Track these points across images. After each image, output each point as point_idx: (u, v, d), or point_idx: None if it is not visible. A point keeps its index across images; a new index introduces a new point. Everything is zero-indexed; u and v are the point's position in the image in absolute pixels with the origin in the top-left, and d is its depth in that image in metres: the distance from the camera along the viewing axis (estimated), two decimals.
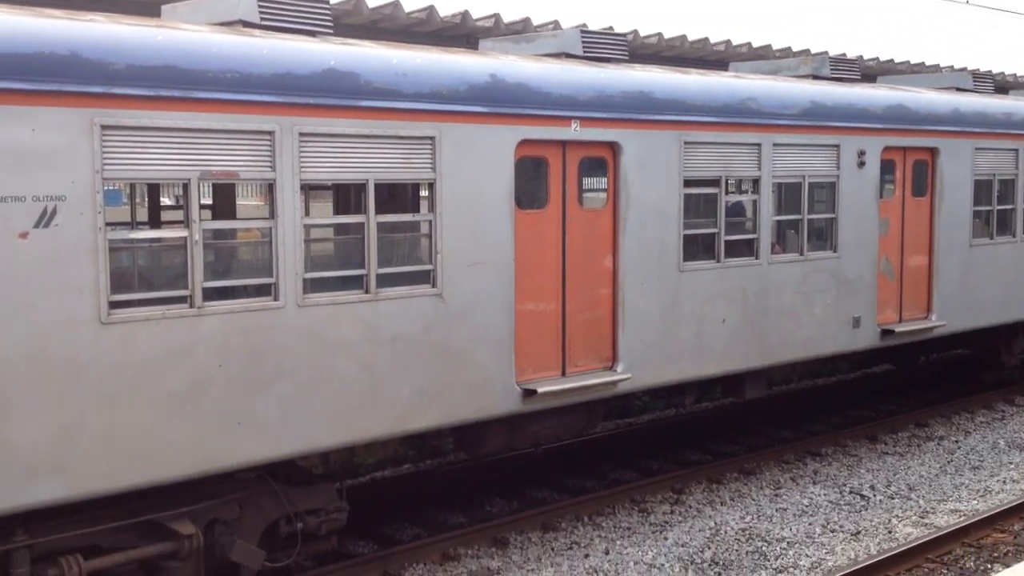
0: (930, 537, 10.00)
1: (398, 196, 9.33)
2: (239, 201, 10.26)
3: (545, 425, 10.19)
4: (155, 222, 8.90)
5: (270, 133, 7.72)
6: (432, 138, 8.67)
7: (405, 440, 9.65)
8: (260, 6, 8.17)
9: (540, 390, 9.51)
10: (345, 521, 8.92)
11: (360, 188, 8.45)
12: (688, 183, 10.77)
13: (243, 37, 7.89)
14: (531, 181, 9.66)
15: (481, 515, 11.00)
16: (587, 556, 9.93)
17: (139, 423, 7.24)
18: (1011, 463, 13.01)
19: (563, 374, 9.93)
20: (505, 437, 9.95)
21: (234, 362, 7.68)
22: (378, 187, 8.45)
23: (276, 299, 7.89)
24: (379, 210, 8.46)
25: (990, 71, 18.09)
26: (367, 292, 8.43)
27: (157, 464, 7.36)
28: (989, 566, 9.76)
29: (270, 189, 7.83)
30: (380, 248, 8.49)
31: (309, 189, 8.82)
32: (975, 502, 11.55)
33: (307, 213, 8.36)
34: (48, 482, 6.86)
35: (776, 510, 11.20)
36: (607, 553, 10.00)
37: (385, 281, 8.55)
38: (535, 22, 13.33)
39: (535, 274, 9.63)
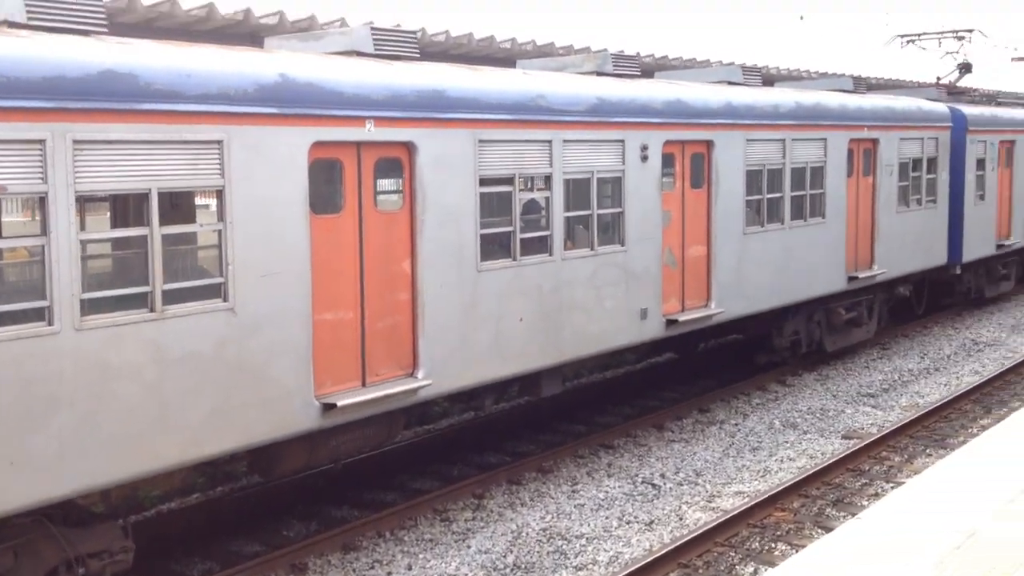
0: (718, 521, 10.33)
1: (184, 205, 8.65)
2: (10, 218, 9.29)
3: (346, 439, 9.80)
4: None
5: (40, 142, 6.95)
6: (220, 142, 8.08)
7: (194, 467, 9.01)
8: (27, 5, 7.36)
9: (340, 403, 9.12)
10: (131, 562, 8.25)
11: (142, 198, 7.75)
12: (483, 182, 10.61)
13: (8, 39, 7.03)
14: (326, 185, 9.22)
15: (278, 541, 10.42)
16: (390, 574, 9.63)
17: None
18: (786, 442, 13.68)
19: (363, 384, 9.57)
20: (304, 455, 9.49)
21: (3, 396, 6.89)
22: (162, 196, 7.79)
23: (50, 324, 7.14)
24: (164, 221, 7.80)
25: (756, 65, 18.95)
26: (152, 310, 7.79)
27: None
28: (773, 545, 10.18)
29: (41, 203, 7.05)
30: (166, 262, 7.85)
31: (85, 201, 8.02)
32: (757, 483, 12.05)
33: (83, 228, 7.59)
34: None
35: (574, 507, 11.28)
36: (410, 569, 9.73)
37: (172, 297, 7.93)
38: (320, 19, 12.79)
39: (332, 282, 9.21)
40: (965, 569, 5.63)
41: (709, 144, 13.95)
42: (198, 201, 8.81)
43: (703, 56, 19.22)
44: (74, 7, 7.65)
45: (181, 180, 7.93)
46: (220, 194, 8.18)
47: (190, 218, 8.67)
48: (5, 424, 6.91)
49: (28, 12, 7.36)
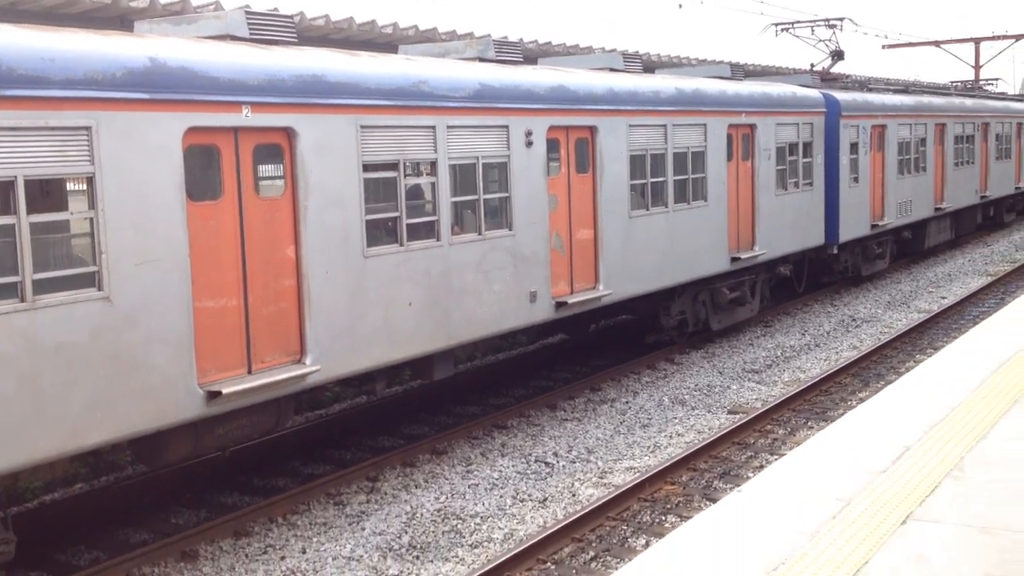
0: (609, 496, 10.56)
1: (56, 192, 8.48)
2: None
3: (233, 427, 9.74)
4: None
5: None
6: (88, 128, 7.95)
7: (77, 458, 8.86)
8: None
9: (225, 391, 9.06)
10: (13, 553, 8.08)
11: (8, 186, 7.58)
12: (367, 167, 10.63)
13: None
14: (203, 171, 9.13)
15: (167, 528, 10.34)
16: (283, 558, 9.62)
17: None
18: (675, 418, 14.03)
19: (249, 372, 9.51)
20: (189, 443, 9.40)
21: None
22: (29, 184, 7.63)
23: None
24: (32, 209, 7.64)
25: (638, 52, 19.30)
26: (23, 300, 7.62)
27: None
28: (663, 518, 10.46)
29: None
30: (36, 251, 7.69)
31: None
32: (647, 458, 12.34)
33: None
34: None
35: (468, 487, 11.40)
36: (304, 552, 9.74)
37: (44, 287, 7.77)
38: (194, 3, 12.60)
39: (213, 269, 9.13)
40: (841, 537, 5.89)
41: (593, 129, 14.19)
42: (70, 188, 8.64)
43: (585, 43, 19.50)
44: None
45: (49, 167, 7.79)
46: (91, 181, 8.05)
47: (61, 206, 8.50)
48: None
49: None
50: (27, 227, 7.62)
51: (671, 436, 13.23)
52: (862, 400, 14.60)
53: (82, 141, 7.94)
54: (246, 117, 9.27)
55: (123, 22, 11.63)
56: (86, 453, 8.51)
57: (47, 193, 8.24)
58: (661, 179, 15.77)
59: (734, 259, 17.79)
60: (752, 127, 18.32)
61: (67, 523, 10.21)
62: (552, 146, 13.51)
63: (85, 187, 8.13)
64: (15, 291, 7.63)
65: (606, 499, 10.48)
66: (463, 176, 12.11)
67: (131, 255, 8.35)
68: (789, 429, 13.48)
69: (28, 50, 7.62)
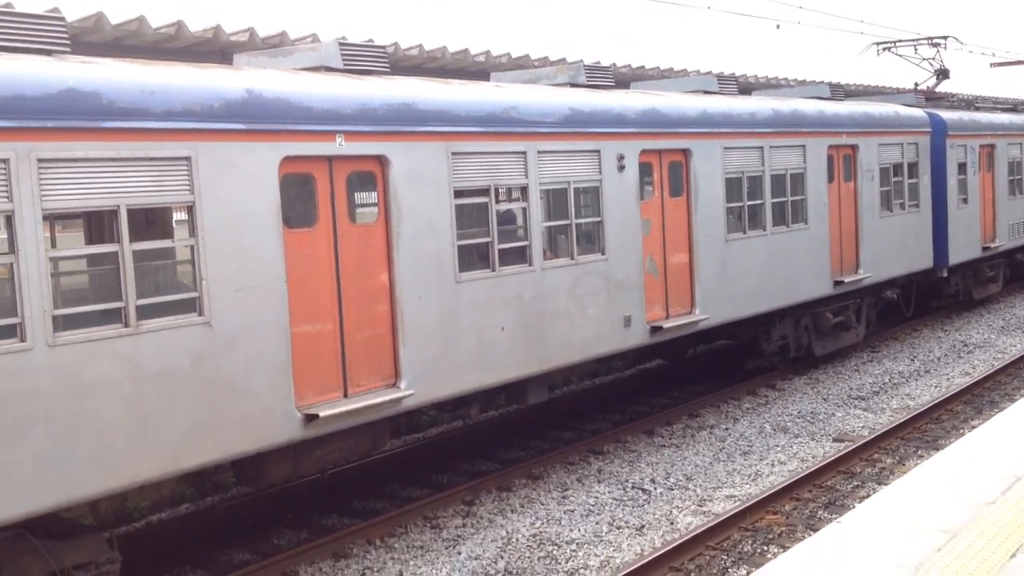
0: (709, 525, 10.36)
1: (157, 221, 8.80)
2: None
3: (330, 449, 9.90)
4: None
5: (4, 161, 7.09)
6: (188, 158, 8.23)
7: (183, 478, 9.11)
8: None
9: (322, 414, 9.22)
10: (118, 572, 8.33)
11: (112, 215, 7.90)
12: (459, 193, 10.75)
13: None
14: (299, 199, 9.36)
15: (268, 549, 10.54)
16: None
17: None
18: (777, 446, 13.72)
19: (345, 395, 9.67)
20: (289, 465, 9.58)
21: None
22: (132, 212, 7.93)
23: (23, 340, 7.25)
24: (135, 237, 7.94)
25: (733, 74, 19.14)
26: (127, 326, 7.90)
27: None
28: (765, 548, 10.21)
29: (8, 221, 7.19)
30: (139, 277, 7.98)
31: (56, 219, 8.18)
32: (748, 486, 12.09)
33: (54, 245, 7.69)
34: None
35: (564, 512, 11.33)
36: (401, 575, 9.79)
37: (147, 312, 8.04)
38: (292, 36, 12.98)
39: (309, 294, 9.33)
40: (946, 571, 5.67)
41: (687, 152, 14.10)
42: (176, 216, 8.96)
43: (680, 66, 19.43)
44: (34, 27, 7.82)
45: (150, 196, 8.07)
46: (191, 209, 8.31)
47: (165, 234, 8.81)
48: None
49: None
50: (130, 255, 7.91)
51: (773, 464, 12.94)
52: (974, 428, 14.09)
53: (182, 171, 8.23)
54: (340, 146, 9.49)
55: (223, 55, 12.00)
56: (192, 474, 8.72)
57: (150, 222, 8.54)
58: (759, 202, 15.55)
59: (837, 283, 17.39)
60: (854, 148, 17.95)
61: (173, 543, 10.50)
62: (645, 170, 13.46)
63: (186, 215, 8.41)
64: (119, 316, 7.90)
65: (706, 527, 10.29)
66: (555, 201, 12.14)
67: (230, 281, 8.58)
68: (897, 458, 13.06)
69: (129, 84, 7.94)
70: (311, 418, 9.18)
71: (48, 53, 7.83)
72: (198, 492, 12.05)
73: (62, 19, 8.07)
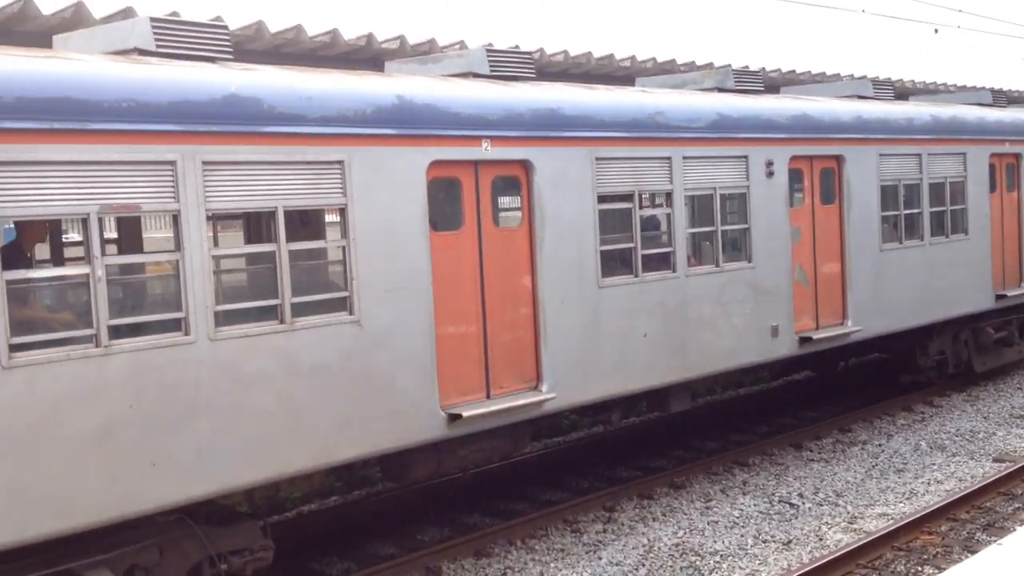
0: (860, 543, 10.05)
1: (311, 222, 9.16)
2: (154, 234, 10.01)
3: (472, 449, 10.06)
4: (58, 259, 8.59)
5: (172, 163, 7.51)
6: (341, 162, 8.53)
7: (331, 471, 9.43)
8: (155, 34, 7.96)
9: (465, 414, 9.37)
10: (271, 559, 8.67)
11: (270, 216, 8.26)
12: (602, 199, 10.78)
13: (138, 65, 7.68)
14: (445, 202, 9.57)
15: (412, 544, 10.78)
16: None
17: (47, 469, 6.92)
18: (934, 464, 13.21)
19: (488, 396, 9.81)
20: (432, 463, 9.79)
21: (146, 401, 7.41)
22: (288, 214, 8.27)
23: (187, 334, 7.65)
24: (291, 237, 8.27)
25: (889, 78, 18.56)
26: (282, 322, 8.23)
27: (68, 512, 7.04)
28: (919, 569, 9.84)
29: (175, 221, 7.61)
30: (294, 276, 8.30)
31: (218, 219, 8.60)
32: (902, 505, 11.67)
33: (216, 244, 8.10)
34: None
35: (708, 523, 11.19)
36: None
37: (301, 310, 8.36)
38: (440, 43, 13.29)
39: (454, 296, 9.52)
40: None
41: (839, 159, 13.76)
42: (328, 218, 9.30)
43: (832, 70, 18.95)
44: (200, 35, 8.27)
45: (306, 199, 8.41)
46: (343, 212, 8.61)
47: (319, 234, 9.15)
48: (148, 428, 7.41)
49: (156, 40, 7.99)
50: (286, 254, 8.24)
51: (928, 483, 12.45)
52: None
53: (336, 174, 8.53)
54: (486, 150, 9.66)
55: (375, 62, 12.39)
56: (340, 467, 9.02)
57: (304, 223, 8.89)
58: (916, 211, 15.03)
59: (999, 296, 16.62)
60: (1017, 156, 17.15)
61: (322, 533, 10.86)
62: (795, 176, 13.19)
63: (338, 217, 8.71)
64: (275, 313, 8.25)
65: (857, 545, 9.99)
66: (700, 207, 12.04)
67: (379, 282, 8.84)
68: None
69: (287, 90, 8.31)
70: (455, 418, 9.35)
71: (212, 60, 8.26)
72: (346, 485, 12.43)
73: (225, 27, 8.52)
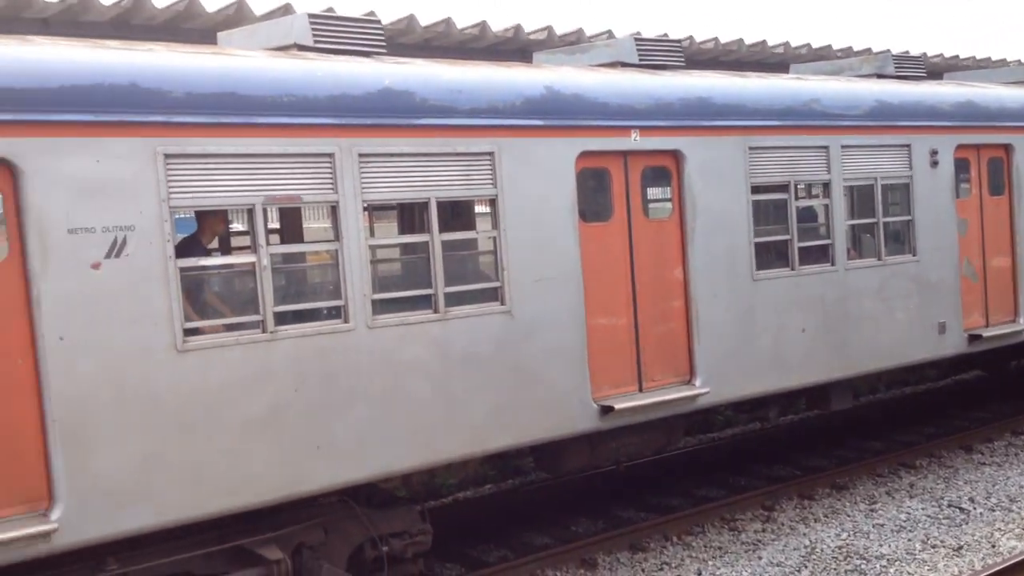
0: None
1: (462, 213, 9.34)
2: (313, 224, 10.40)
3: (625, 442, 10.01)
4: (225, 248, 9.02)
5: (330, 155, 7.78)
6: (491, 153, 8.67)
7: (485, 460, 9.55)
8: (314, 29, 8.28)
9: (618, 406, 9.35)
10: (430, 543, 8.84)
11: (423, 207, 8.47)
12: (756, 189, 10.59)
13: (298, 61, 8.01)
14: (594, 193, 9.60)
15: (567, 536, 10.81)
16: None
17: (219, 449, 7.27)
18: None
19: (640, 390, 9.75)
20: (585, 455, 9.79)
21: (309, 386, 7.69)
22: (440, 205, 8.45)
23: (346, 321, 7.91)
24: (443, 228, 8.45)
25: None
26: (436, 311, 8.40)
27: (239, 490, 7.37)
28: None
29: (333, 211, 7.89)
30: (446, 266, 8.47)
31: (373, 210, 8.84)
32: None
33: (372, 234, 8.34)
34: (135, 510, 6.91)
35: (873, 526, 10.81)
36: (699, 574, 9.72)
37: (453, 300, 8.52)
38: (588, 32, 13.34)
39: (605, 288, 9.52)
40: None
41: (1008, 148, 13.14)
42: (478, 209, 9.47)
43: (997, 56, 18.12)
44: (355, 30, 8.55)
45: (457, 190, 8.57)
46: (493, 203, 8.74)
47: (470, 225, 9.31)
48: (312, 412, 7.69)
49: (315, 35, 8.31)
50: (439, 244, 8.43)
51: None
52: None
53: (486, 166, 8.67)
54: (635, 141, 9.64)
55: (523, 54, 12.53)
56: (493, 456, 9.13)
57: (456, 213, 9.07)
58: None
59: None
60: None
61: (477, 520, 11.00)
62: (961, 166, 12.65)
63: (488, 208, 8.86)
64: (430, 303, 8.43)
65: None
66: (859, 198, 11.68)
67: (529, 272, 8.92)
68: None
69: (439, 83, 8.51)
70: (607, 410, 9.34)
71: (367, 55, 8.54)
72: (500, 474, 12.57)
73: (379, 22, 8.79)
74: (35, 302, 6.53)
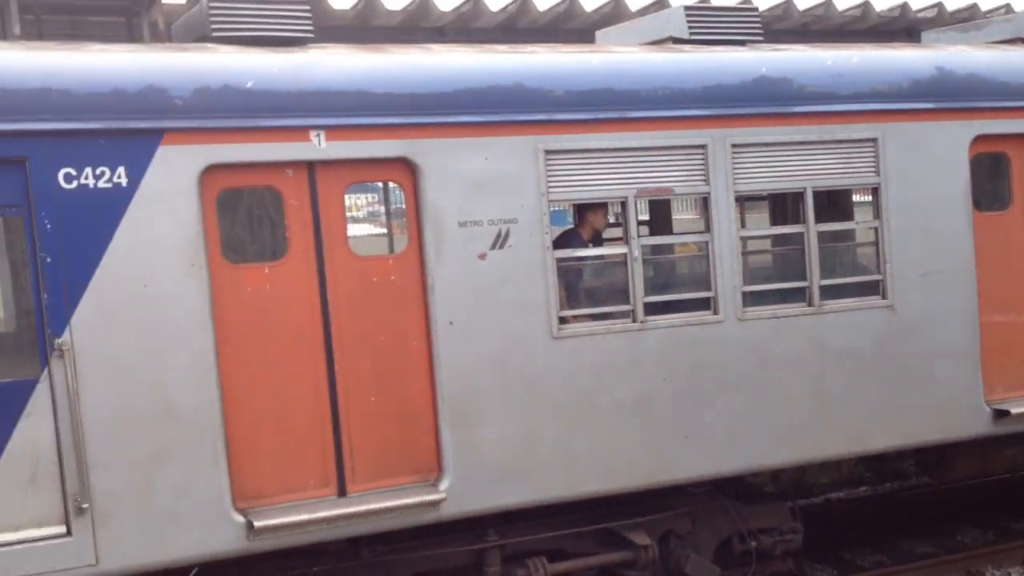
0: None
1: (838, 203, 8.97)
2: (679, 215, 10.46)
3: (1021, 449, 9.16)
4: (596, 240, 9.32)
5: (702, 147, 7.79)
6: (874, 140, 8.25)
7: (861, 460, 9.15)
8: (689, 21, 8.30)
9: (1014, 411, 8.60)
10: (801, 542, 8.62)
11: (797, 197, 8.25)
12: None
13: (673, 54, 8.08)
14: (989, 180, 8.86)
15: (951, 545, 10.12)
16: None
17: (591, 433, 7.53)
18: None
19: None
20: (975, 461, 9.13)
21: (677, 376, 7.76)
22: (816, 195, 8.19)
23: (716, 313, 7.89)
24: (818, 218, 8.18)
25: None
26: (810, 305, 8.16)
27: (610, 474, 7.60)
28: None
29: (704, 203, 7.90)
30: (821, 258, 8.20)
31: (744, 200, 8.71)
32: None
33: (742, 225, 8.23)
34: (514, 486, 7.34)
35: None
36: None
37: (829, 293, 8.22)
38: (983, 8, 12.30)
39: (1001, 283, 8.76)
40: None
41: None
42: (855, 198, 9.04)
43: None
44: (731, 20, 8.44)
45: (835, 179, 8.24)
46: (875, 192, 8.32)
47: (847, 215, 8.92)
48: (679, 401, 7.76)
49: (690, 27, 8.29)
50: (815, 236, 8.15)
51: None
52: None
53: (867, 153, 8.26)
54: None
55: (910, 33, 11.82)
56: (870, 457, 8.73)
57: (831, 203, 8.73)
58: None
59: None
60: None
61: (849, 523, 10.56)
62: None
63: (869, 198, 8.45)
64: (802, 296, 8.19)
65: None
66: None
67: (915, 265, 8.41)
68: None
69: (817, 68, 8.21)
70: (1001, 414, 8.61)
71: (742, 44, 8.42)
72: (876, 476, 11.96)
73: (755, 10, 8.63)
74: (429, 289, 7.11)
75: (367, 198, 13.68)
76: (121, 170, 6.33)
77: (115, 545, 6.36)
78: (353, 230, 7.43)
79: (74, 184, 6.27)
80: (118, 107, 6.37)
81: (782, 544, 8.54)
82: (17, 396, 6.22)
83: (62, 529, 6.29)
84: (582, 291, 7.99)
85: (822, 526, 10.11)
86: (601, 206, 8.13)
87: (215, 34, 7.05)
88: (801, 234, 8.19)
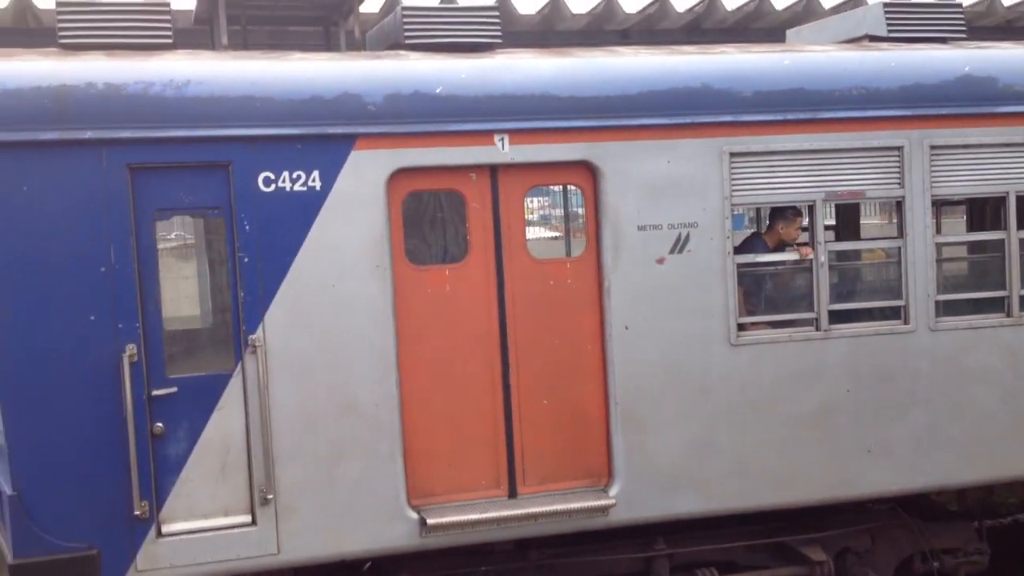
0: None
1: None
2: (866, 220, 10.00)
3: None
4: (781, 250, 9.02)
5: (898, 149, 7.43)
6: None
7: None
8: (888, 18, 7.91)
9: None
10: (986, 564, 8.19)
11: (998, 201, 7.77)
12: None
13: (869, 52, 7.72)
14: None
15: None
16: None
17: (768, 444, 7.31)
18: None
19: None
20: None
21: (862, 387, 7.46)
22: (1020, 199, 7.70)
23: (906, 322, 7.53)
24: (1021, 225, 7.69)
25: None
26: (1009, 315, 7.70)
27: (786, 486, 7.37)
28: None
29: (898, 207, 7.53)
30: (1022, 267, 7.71)
31: (940, 205, 8.26)
32: None
33: (938, 231, 7.81)
34: (686, 494, 7.19)
35: None
36: None
37: None
38: None
39: None
40: None
41: None
42: None
43: None
44: (932, 16, 8.00)
45: None
46: None
47: None
48: (864, 414, 7.44)
49: (889, 25, 7.90)
50: (1016, 243, 7.68)
51: None
52: None
53: None
54: None
55: None
56: None
57: None
58: None
59: None
60: None
61: None
62: None
63: None
64: (1001, 306, 7.74)
65: None
66: None
67: None
68: None
69: (1018, 66, 7.72)
70: None
71: (943, 41, 7.96)
72: None
73: (958, 6, 8.16)
74: (606, 293, 7.02)
75: (539, 201, 13.71)
76: (316, 174, 6.49)
77: (296, 536, 6.54)
78: (529, 233, 7.40)
79: (272, 187, 6.46)
80: (315, 113, 6.52)
81: (966, 566, 8.15)
82: (213, 389, 6.46)
83: (248, 518, 6.50)
84: (762, 297, 7.73)
85: (1010, 548, 9.57)
86: (795, 218, 7.84)
87: (408, 41, 7.13)
88: (1001, 241, 7.73)
